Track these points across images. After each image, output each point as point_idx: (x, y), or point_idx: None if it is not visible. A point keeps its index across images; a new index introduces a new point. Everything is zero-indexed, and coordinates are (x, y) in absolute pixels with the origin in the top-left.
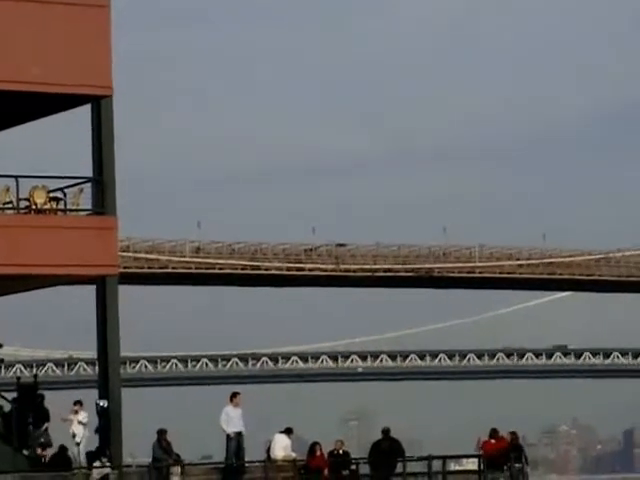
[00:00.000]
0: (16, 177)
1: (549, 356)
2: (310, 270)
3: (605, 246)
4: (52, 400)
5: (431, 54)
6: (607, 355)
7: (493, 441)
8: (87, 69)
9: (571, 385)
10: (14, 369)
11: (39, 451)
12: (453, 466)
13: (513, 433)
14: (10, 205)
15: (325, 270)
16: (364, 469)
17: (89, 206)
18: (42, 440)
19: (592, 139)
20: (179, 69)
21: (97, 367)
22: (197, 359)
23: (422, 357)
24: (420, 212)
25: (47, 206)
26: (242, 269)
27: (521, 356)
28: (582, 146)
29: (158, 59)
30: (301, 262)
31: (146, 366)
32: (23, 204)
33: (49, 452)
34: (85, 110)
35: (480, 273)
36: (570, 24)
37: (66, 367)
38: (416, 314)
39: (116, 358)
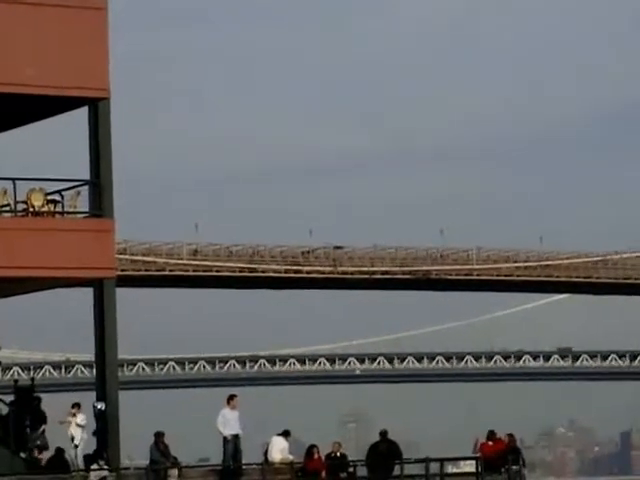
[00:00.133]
0: (13, 180)
1: (546, 358)
2: (308, 272)
3: (605, 247)
4: (49, 403)
5: (431, 54)
6: (604, 357)
7: (491, 443)
8: (84, 71)
9: (568, 387)
10: (11, 372)
11: (36, 454)
12: (451, 468)
13: (510, 435)
14: (7, 208)
15: (323, 272)
16: (362, 471)
17: (86, 209)
18: (39, 443)
19: (592, 139)
20: (179, 69)
21: (94, 370)
22: (194, 361)
23: (420, 359)
24: (420, 213)
25: (44, 209)
26: (240, 271)
27: (518, 358)
28: (582, 146)
29: (158, 59)
30: (299, 264)
31: (143, 369)
32: (20, 207)
33: (46, 455)
34: (82, 113)
35: (477, 275)
36: (570, 24)
37: (63, 370)
38: (413, 316)
39: (113, 360)
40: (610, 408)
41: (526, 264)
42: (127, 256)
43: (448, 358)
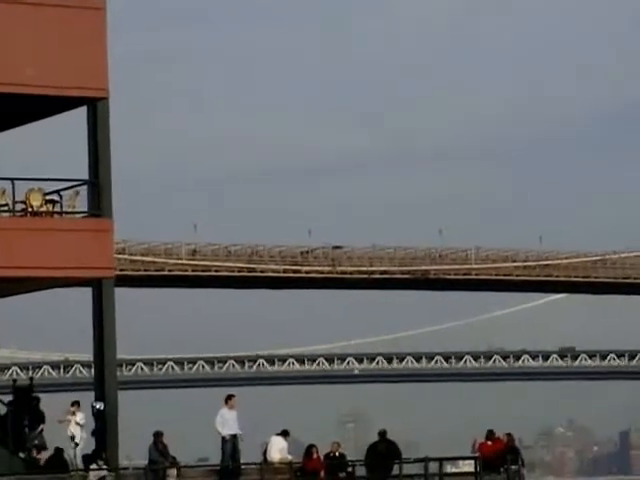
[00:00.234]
0: (12, 180)
1: (545, 358)
2: (306, 272)
3: (605, 247)
4: (48, 403)
5: (431, 54)
6: (603, 357)
7: (490, 443)
8: (83, 71)
9: (567, 387)
10: (10, 371)
11: (35, 454)
12: (450, 468)
13: (509, 435)
14: (6, 208)
15: (321, 272)
16: (360, 471)
17: (85, 208)
18: (37, 442)
19: (592, 139)
20: (179, 69)
21: (93, 369)
22: (193, 361)
23: (418, 359)
24: (419, 213)
25: (43, 209)
26: (238, 271)
27: (517, 358)
28: (582, 146)
29: (158, 59)
30: (297, 264)
31: (142, 368)
32: (19, 207)
33: (44, 455)
34: (81, 112)
35: (476, 275)
36: (570, 24)
37: (62, 369)
38: (412, 316)
39: (112, 360)
40: (609, 408)
41: (525, 264)
42: (126, 256)
43: (447, 358)
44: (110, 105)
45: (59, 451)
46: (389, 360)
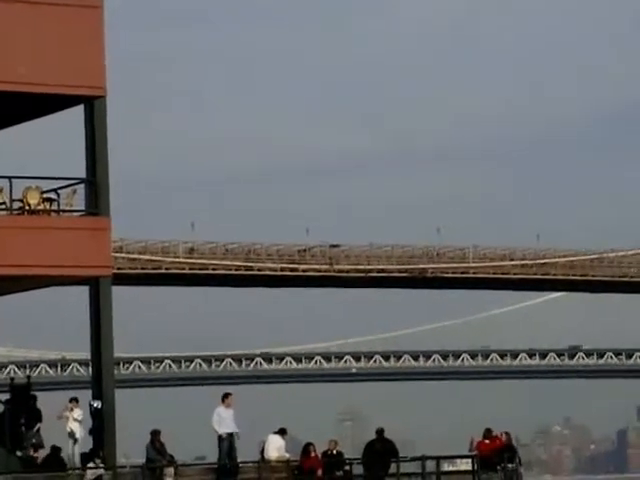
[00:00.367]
0: (9, 178)
1: (542, 356)
2: (304, 271)
3: (604, 246)
4: (46, 401)
5: (431, 54)
6: (601, 355)
7: (487, 441)
8: (80, 70)
9: (564, 385)
10: (7, 370)
11: (32, 452)
12: (447, 466)
13: (506, 434)
14: (3, 206)
15: (319, 271)
16: (358, 469)
17: (82, 207)
18: (34, 441)
19: (592, 140)
20: (179, 69)
21: (90, 368)
22: (190, 360)
23: (416, 357)
24: (419, 213)
25: (40, 207)
26: (236, 270)
27: (514, 356)
28: (582, 147)
29: (158, 59)
30: (295, 263)
31: (140, 367)
32: (16, 205)
33: (41, 453)
34: (79, 111)
35: (474, 274)
36: (571, 25)
37: (59, 368)
38: (410, 314)
39: (110, 359)
40: (606, 406)
41: (523, 262)
42: (123, 254)
43: (444, 356)
44: (110, 105)
45: (56, 450)
46: (386, 358)
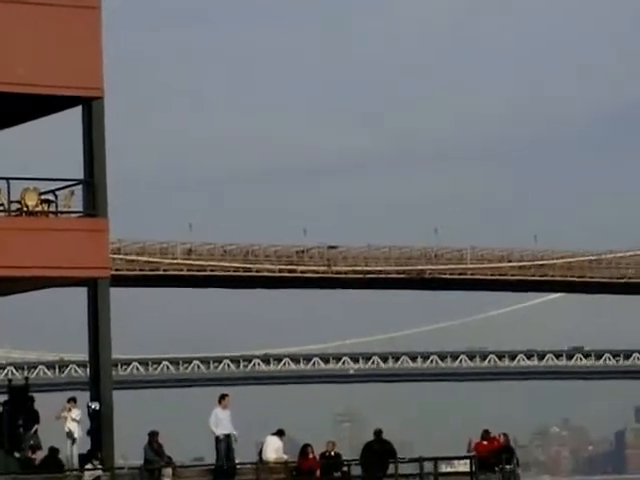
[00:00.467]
0: (7, 179)
1: (541, 357)
2: (302, 272)
3: (605, 246)
4: (44, 403)
5: (431, 54)
6: (599, 356)
7: (485, 442)
8: (78, 71)
9: (563, 386)
10: (5, 371)
11: (30, 454)
12: (445, 468)
13: (504, 435)
14: (1, 207)
15: (317, 272)
16: (356, 470)
17: (80, 208)
18: (32, 443)
19: (593, 139)
20: (179, 69)
21: (88, 369)
22: (189, 361)
23: (414, 358)
24: (420, 213)
25: (38, 208)
26: (234, 271)
27: (512, 358)
28: (583, 146)
29: (158, 59)
30: (293, 264)
31: (138, 368)
32: (14, 206)
33: (39, 455)
34: (77, 112)
35: (472, 275)
36: (571, 24)
37: (57, 369)
38: (408, 316)
39: (108, 360)
40: (604, 407)
41: (520, 263)
42: (121, 255)
43: (442, 357)
44: (111, 105)
45: (54, 451)
46: (384, 360)
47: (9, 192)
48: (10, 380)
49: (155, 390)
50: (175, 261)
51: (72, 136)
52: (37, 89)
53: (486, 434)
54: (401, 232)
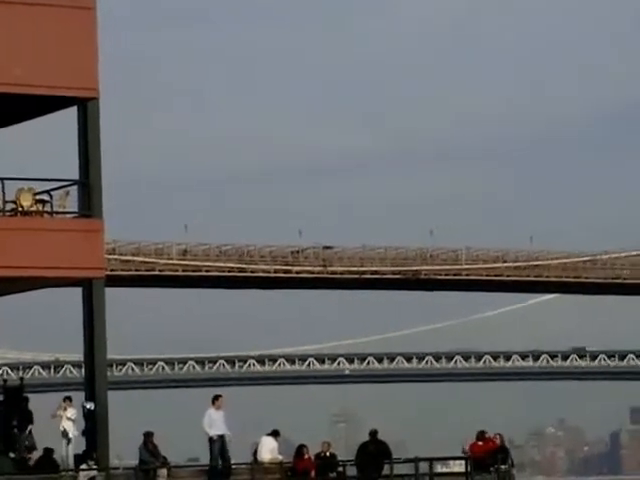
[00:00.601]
0: (2, 179)
1: (536, 358)
2: (297, 272)
3: (605, 247)
4: (39, 403)
5: (433, 54)
6: (594, 357)
7: (480, 443)
8: (73, 71)
9: (558, 387)
10: (0, 371)
11: (25, 454)
12: (440, 468)
13: (499, 435)
14: None
15: (312, 272)
16: (351, 471)
17: (75, 209)
18: (27, 443)
19: (594, 139)
20: (180, 69)
21: (84, 370)
22: (184, 361)
23: (409, 359)
24: (421, 213)
25: (33, 208)
26: (229, 271)
27: (507, 358)
28: (584, 146)
29: (159, 59)
30: (288, 264)
31: (133, 368)
32: (9, 206)
33: (34, 455)
34: (72, 112)
35: (467, 275)
36: (572, 24)
37: (53, 370)
38: (403, 316)
39: (103, 360)
40: (600, 408)
41: (516, 264)
42: (116, 256)
43: (437, 358)
44: (112, 105)
45: (49, 451)
46: (380, 360)
47: (4, 192)
48: (5, 380)
49: (150, 390)
50: (170, 261)
51: (67, 136)
52: (32, 89)
53: (481, 435)
54: (401, 233)
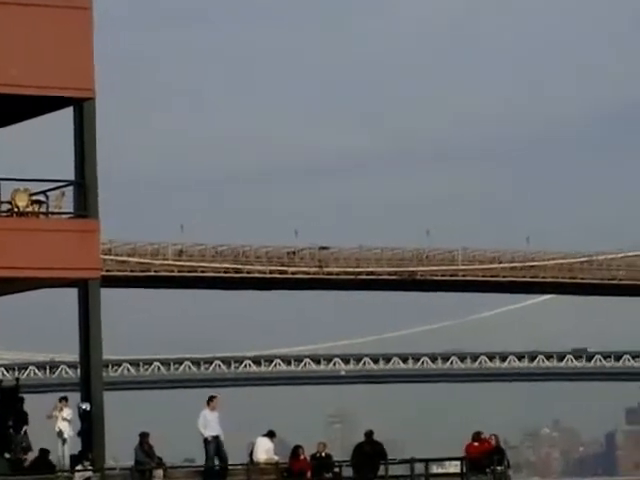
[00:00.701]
0: None
1: (532, 359)
2: (293, 273)
3: (602, 247)
4: (34, 403)
5: (431, 54)
6: (589, 358)
7: (476, 444)
8: (69, 72)
9: (553, 388)
10: None
11: (21, 455)
12: (436, 469)
13: (494, 436)
14: None
15: (308, 273)
16: (347, 472)
17: (71, 209)
18: (23, 444)
19: (592, 139)
20: (179, 69)
21: (79, 370)
22: (179, 362)
23: (405, 360)
24: (420, 213)
25: (29, 209)
26: (225, 272)
27: (503, 359)
28: (582, 146)
29: (158, 59)
30: (284, 265)
31: (129, 369)
32: (5, 207)
33: (30, 456)
34: (68, 113)
35: (463, 276)
36: (570, 24)
37: (48, 370)
38: (399, 317)
39: (98, 361)
40: (595, 408)
41: (512, 265)
42: (112, 256)
43: (433, 359)
44: (111, 105)
45: (44, 452)
46: (375, 361)
47: (0, 193)
48: (1, 381)
49: (146, 391)
50: (166, 262)
51: (63, 137)
52: (28, 90)
53: (477, 435)
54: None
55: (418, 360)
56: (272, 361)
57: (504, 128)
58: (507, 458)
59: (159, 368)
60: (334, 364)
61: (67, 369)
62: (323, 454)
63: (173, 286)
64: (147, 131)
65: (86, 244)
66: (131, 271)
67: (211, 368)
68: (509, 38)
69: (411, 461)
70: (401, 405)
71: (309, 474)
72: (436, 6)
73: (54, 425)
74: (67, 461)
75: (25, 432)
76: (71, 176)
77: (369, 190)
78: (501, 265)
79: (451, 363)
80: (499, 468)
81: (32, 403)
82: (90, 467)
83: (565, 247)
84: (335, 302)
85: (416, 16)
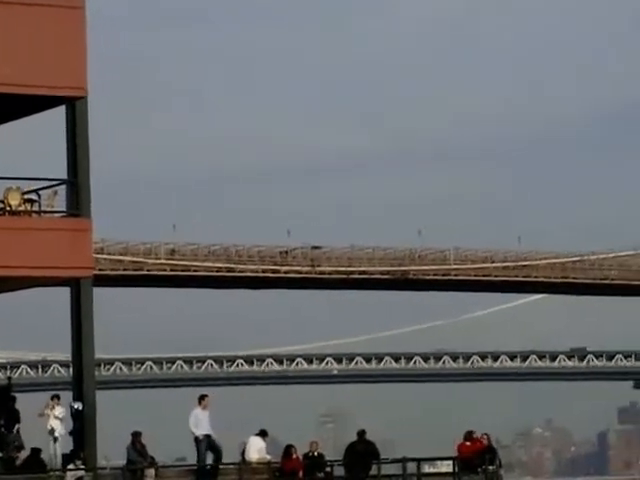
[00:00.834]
0: None
1: (524, 358)
2: (285, 272)
3: (590, 247)
4: (26, 402)
5: (431, 54)
6: (582, 357)
7: (468, 443)
8: (61, 71)
9: (545, 387)
10: None
11: (13, 453)
12: (428, 468)
13: (486, 435)
14: None
15: (301, 272)
16: (339, 471)
17: (63, 208)
18: (16, 443)
19: (592, 139)
20: (179, 69)
21: (71, 369)
22: (172, 361)
23: (397, 359)
24: (420, 213)
25: (21, 208)
26: (217, 271)
27: (495, 358)
28: (582, 146)
29: (158, 59)
30: (277, 264)
31: (121, 368)
32: None
33: (22, 455)
34: (60, 112)
35: (455, 276)
36: (570, 24)
37: (40, 369)
38: (391, 316)
39: (91, 360)
40: (587, 408)
41: (504, 264)
42: (105, 255)
43: (425, 358)
44: (111, 105)
45: (36, 451)
46: (368, 360)
47: None
48: None
49: (138, 390)
50: (159, 261)
51: (55, 136)
52: (20, 89)
53: (469, 435)
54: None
55: (410, 359)
56: (264, 360)
57: (504, 128)
58: (499, 457)
59: (151, 367)
60: (326, 363)
61: (59, 368)
62: (315, 453)
63: (166, 285)
64: (147, 131)
65: (78, 243)
66: (124, 270)
67: (203, 367)
68: (509, 38)
69: (403, 460)
70: (393, 404)
71: (301, 473)
72: (436, 6)
73: (46, 423)
74: (59, 460)
75: (17, 431)
76: (63, 175)
77: (369, 190)
78: (493, 265)
79: (443, 363)
80: (491, 467)
81: (24, 402)
82: (82, 466)
83: (558, 247)
84: (327, 301)
85: (416, 16)
